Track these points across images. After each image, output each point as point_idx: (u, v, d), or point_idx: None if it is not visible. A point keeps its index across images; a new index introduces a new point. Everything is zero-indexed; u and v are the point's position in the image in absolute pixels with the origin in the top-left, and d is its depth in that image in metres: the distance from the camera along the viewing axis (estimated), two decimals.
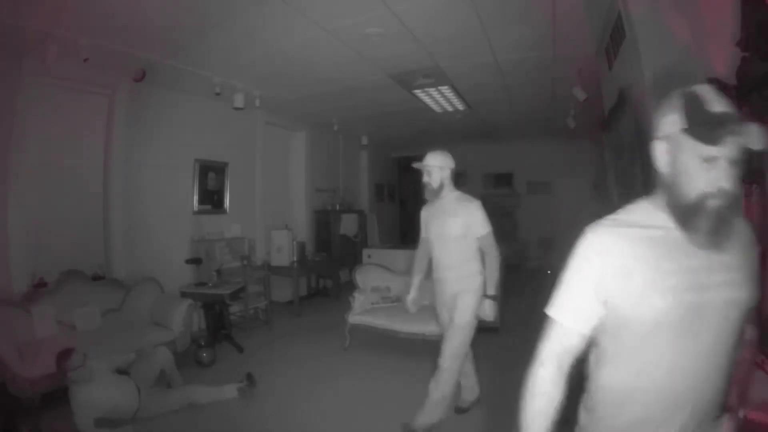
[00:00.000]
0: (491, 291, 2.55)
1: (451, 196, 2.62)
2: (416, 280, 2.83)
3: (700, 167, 0.86)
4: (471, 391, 2.95)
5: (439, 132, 7.95)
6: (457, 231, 2.53)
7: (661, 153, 0.93)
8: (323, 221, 7.11)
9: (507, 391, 3.36)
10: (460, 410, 2.89)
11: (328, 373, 3.65)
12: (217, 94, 4.44)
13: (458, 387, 2.76)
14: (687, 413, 0.89)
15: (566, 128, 5.94)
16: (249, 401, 3.05)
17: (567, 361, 1.00)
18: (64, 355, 2.57)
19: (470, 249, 2.56)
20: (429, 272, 2.79)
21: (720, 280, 0.88)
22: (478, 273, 2.58)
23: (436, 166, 2.56)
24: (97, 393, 2.57)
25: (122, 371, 2.87)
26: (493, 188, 9.70)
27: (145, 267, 4.33)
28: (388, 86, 4.89)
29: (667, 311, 0.86)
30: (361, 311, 4.29)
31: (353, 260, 6.29)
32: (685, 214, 0.88)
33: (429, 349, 4.01)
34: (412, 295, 2.83)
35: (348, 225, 7.41)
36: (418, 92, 5.19)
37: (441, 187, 2.59)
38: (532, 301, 6.05)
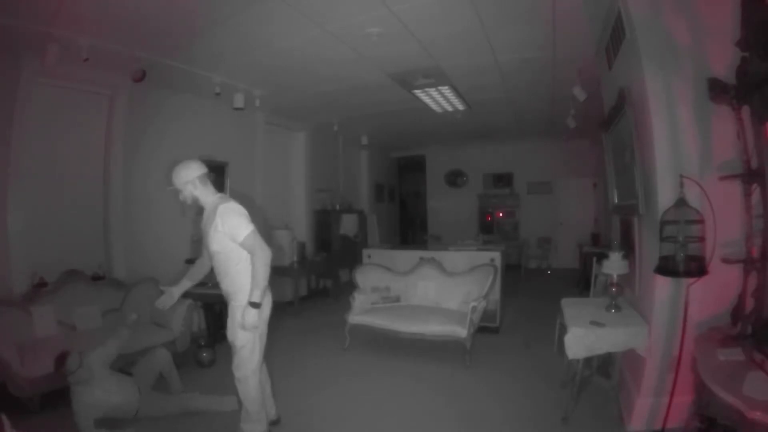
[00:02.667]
0: (254, 297, 2.24)
1: (209, 204, 2.41)
2: (183, 283, 2.63)
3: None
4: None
5: (439, 132, 7.96)
6: (215, 242, 2.32)
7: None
8: (323, 221, 7.10)
9: (507, 390, 3.37)
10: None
11: (328, 373, 3.65)
12: (217, 94, 4.44)
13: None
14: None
15: (566, 128, 5.94)
16: None
17: None
18: (61, 359, 2.56)
19: (235, 259, 2.33)
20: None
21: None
22: (246, 286, 2.31)
23: (180, 183, 2.37)
24: (98, 393, 2.57)
25: (125, 371, 2.87)
26: (493, 188, 9.70)
27: (145, 267, 4.33)
28: (388, 86, 4.89)
29: None
30: (361, 311, 4.29)
31: (353, 260, 6.28)
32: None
33: (429, 349, 4.02)
34: (166, 293, 2.60)
35: (348, 225, 7.40)
36: (418, 92, 5.18)
37: (195, 199, 2.41)
38: (532, 300, 6.05)
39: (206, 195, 2.43)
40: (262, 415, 2.48)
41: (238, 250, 2.32)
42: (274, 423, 2.71)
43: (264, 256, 2.28)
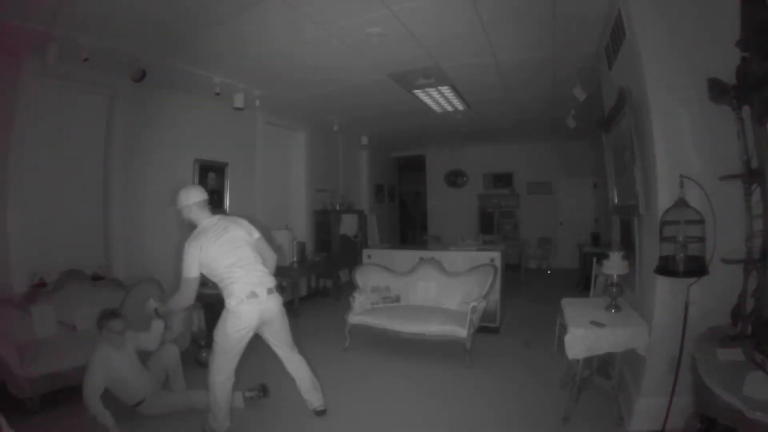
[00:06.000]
0: (161, 308, 2.79)
1: (201, 227, 2.65)
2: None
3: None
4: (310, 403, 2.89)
5: (439, 132, 7.96)
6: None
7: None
8: (323, 221, 7.10)
9: (507, 390, 3.37)
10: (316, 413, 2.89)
11: (328, 373, 3.64)
12: (217, 94, 4.44)
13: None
14: None
15: (566, 128, 5.94)
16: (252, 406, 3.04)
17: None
18: (109, 314, 2.77)
19: (216, 277, 2.64)
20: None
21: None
22: (228, 297, 2.61)
23: (178, 207, 2.67)
24: (116, 360, 2.70)
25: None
26: (493, 188, 9.70)
27: (146, 267, 4.32)
28: (388, 86, 4.89)
29: None
30: (361, 311, 4.29)
31: (353, 260, 6.28)
32: None
33: (429, 349, 4.02)
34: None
35: (348, 225, 7.40)
36: (418, 92, 5.18)
37: (192, 222, 2.68)
38: (531, 301, 6.05)
39: (200, 219, 2.66)
40: (221, 416, 2.59)
41: (216, 270, 2.59)
42: (319, 413, 2.86)
43: (183, 299, 2.63)
